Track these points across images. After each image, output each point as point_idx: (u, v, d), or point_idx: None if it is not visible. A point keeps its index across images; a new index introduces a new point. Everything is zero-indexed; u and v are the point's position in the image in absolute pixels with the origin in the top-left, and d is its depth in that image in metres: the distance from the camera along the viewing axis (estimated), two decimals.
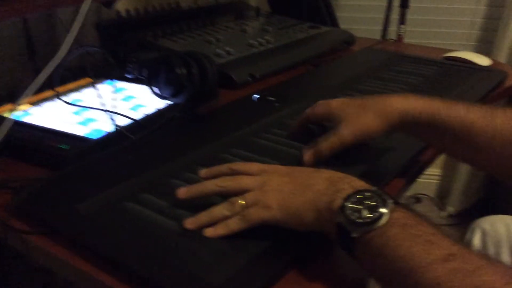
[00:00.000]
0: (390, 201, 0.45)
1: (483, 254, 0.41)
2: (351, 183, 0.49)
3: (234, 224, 0.51)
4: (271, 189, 0.52)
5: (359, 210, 0.45)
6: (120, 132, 0.72)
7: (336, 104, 0.68)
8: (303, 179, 0.52)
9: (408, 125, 0.63)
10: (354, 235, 0.44)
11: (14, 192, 0.60)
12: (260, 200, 0.51)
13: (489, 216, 0.98)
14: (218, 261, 0.48)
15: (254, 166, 0.56)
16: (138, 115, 0.78)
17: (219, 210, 0.53)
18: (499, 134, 0.59)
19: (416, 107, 0.62)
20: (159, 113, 0.80)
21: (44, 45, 0.88)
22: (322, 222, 0.48)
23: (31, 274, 0.74)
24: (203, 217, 0.53)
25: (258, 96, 0.89)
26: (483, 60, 1.16)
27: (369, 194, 0.46)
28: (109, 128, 0.73)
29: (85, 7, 0.71)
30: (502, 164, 0.60)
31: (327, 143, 0.64)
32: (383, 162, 0.68)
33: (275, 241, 0.50)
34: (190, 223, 0.52)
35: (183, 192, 0.55)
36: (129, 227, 0.53)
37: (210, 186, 0.55)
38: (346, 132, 0.64)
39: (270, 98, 0.89)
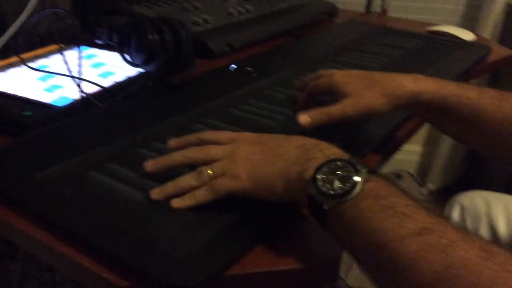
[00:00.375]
0: (363, 170, 0.43)
1: (459, 228, 0.39)
2: (323, 151, 0.46)
3: (201, 195, 0.49)
4: (240, 158, 0.49)
5: (331, 181, 0.43)
6: (87, 99, 0.69)
7: (340, 77, 0.65)
8: (273, 148, 0.50)
9: (415, 107, 0.62)
10: (325, 207, 0.42)
11: None
12: (229, 170, 0.49)
13: (468, 192, 0.97)
14: (183, 234, 0.45)
15: (223, 135, 0.54)
16: (107, 82, 0.75)
17: (186, 180, 0.50)
18: (508, 120, 0.58)
19: (426, 90, 0.60)
20: (130, 81, 0.76)
21: (14, 11, 0.83)
22: (293, 192, 0.46)
23: None
24: (169, 187, 0.50)
25: (236, 67, 0.86)
26: (467, 35, 1.14)
27: (341, 163, 0.44)
28: (76, 95, 0.70)
29: None
30: (509, 149, 0.59)
31: (327, 110, 0.61)
32: (358, 135, 0.66)
33: (243, 215, 0.48)
34: (156, 193, 0.50)
35: (150, 164, 0.53)
36: (93, 197, 0.50)
37: (177, 157, 0.53)
38: (349, 107, 0.61)
39: (248, 68, 0.86)
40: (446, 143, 1.92)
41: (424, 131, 1.96)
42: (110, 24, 0.83)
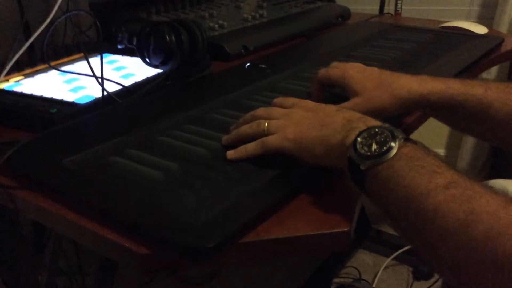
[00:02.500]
0: (400, 136, 0.47)
1: (486, 184, 0.42)
2: (366, 122, 0.51)
3: (251, 149, 0.55)
4: (293, 121, 0.55)
5: (369, 144, 0.47)
6: (108, 97, 0.72)
7: (352, 73, 0.67)
8: (323, 117, 0.54)
9: (422, 108, 0.66)
10: (363, 167, 0.46)
11: (1, 153, 0.60)
12: (281, 129, 0.55)
13: (491, 180, 0.97)
14: (199, 204, 0.48)
15: (289, 100, 0.61)
16: (128, 82, 0.78)
17: (245, 129, 0.58)
18: None
19: (433, 92, 0.63)
20: (149, 80, 0.80)
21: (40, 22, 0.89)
22: (332, 156, 0.51)
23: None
24: (233, 134, 0.59)
25: (249, 64, 0.89)
26: (479, 29, 1.15)
27: (380, 129, 0.48)
28: (98, 94, 0.73)
29: None
30: None
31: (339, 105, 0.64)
32: None
33: (253, 189, 0.51)
34: (224, 140, 0.59)
35: (225, 139, 0.60)
36: (115, 178, 0.53)
37: (247, 116, 0.60)
38: (359, 106, 0.64)
39: (262, 65, 0.89)
40: (469, 146, 1.90)
41: (446, 134, 1.95)
42: (130, 30, 0.87)
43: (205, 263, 0.44)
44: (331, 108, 0.57)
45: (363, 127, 0.49)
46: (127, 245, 0.46)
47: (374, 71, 0.68)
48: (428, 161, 0.45)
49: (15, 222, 0.85)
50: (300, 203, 0.51)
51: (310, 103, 0.59)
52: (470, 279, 0.39)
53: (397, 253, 1.58)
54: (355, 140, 0.48)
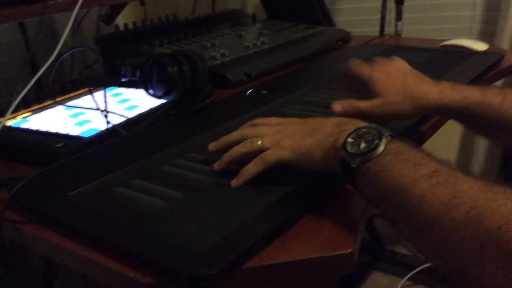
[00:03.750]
0: (386, 134, 0.50)
1: (469, 172, 0.44)
2: (355, 124, 0.54)
3: (252, 168, 0.57)
4: (286, 134, 0.58)
5: (358, 144, 0.50)
6: (113, 129, 0.74)
7: (379, 76, 0.70)
8: (314, 125, 0.58)
9: (441, 115, 0.71)
10: (353, 165, 0.49)
11: (9, 188, 0.61)
12: (276, 143, 0.57)
13: None
14: (201, 232, 0.48)
15: (272, 119, 0.63)
16: (132, 114, 0.80)
17: (238, 149, 0.59)
18: None
19: (451, 101, 0.67)
20: (152, 111, 0.81)
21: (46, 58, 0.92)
22: (329, 160, 0.53)
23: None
24: (225, 158, 0.59)
25: (251, 90, 0.90)
26: (479, 46, 1.16)
27: (368, 129, 0.51)
28: (103, 127, 0.75)
29: (75, 11, 0.73)
30: None
31: (358, 105, 0.67)
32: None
33: (253, 216, 0.51)
34: (216, 165, 0.60)
35: (212, 146, 0.62)
36: (119, 209, 0.54)
37: (234, 135, 0.62)
38: (378, 108, 0.67)
39: (264, 91, 0.90)
40: (481, 151, 1.88)
41: (457, 140, 1.94)
42: (133, 62, 0.89)
43: None
44: (320, 118, 0.60)
45: (352, 129, 0.52)
46: (131, 275, 0.46)
47: (399, 76, 0.70)
48: (413, 154, 0.48)
49: (25, 257, 0.86)
50: (303, 226, 0.52)
51: (295, 118, 0.62)
52: (456, 259, 0.41)
53: (412, 273, 1.56)
54: (345, 141, 0.51)
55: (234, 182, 0.57)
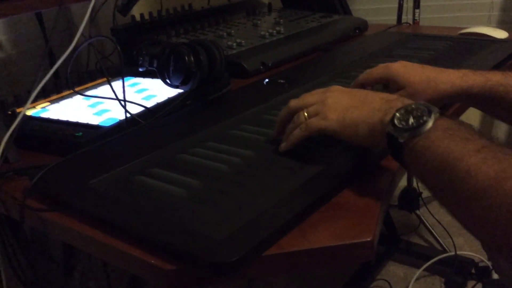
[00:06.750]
0: (435, 111, 0.49)
1: None
2: (403, 101, 0.53)
3: (297, 134, 0.58)
4: (330, 102, 0.57)
5: (406, 119, 0.50)
6: (132, 119, 0.74)
7: (398, 67, 0.70)
8: (361, 97, 0.57)
9: (465, 100, 0.70)
10: (401, 140, 0.49)
11: (31, 177, 0.62)
12: (321, 111, 0.57)
13: None
14: (221, 219, 0.49)
15: (318, 90, 0.62)
16: (150, 104, 0.80)
17: (289, 127, 0.60)
18: None
19: (474, 85, 0.67)
20: (170, 100, 0.82)
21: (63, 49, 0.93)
22: (375, 134, 0.53)
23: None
24: (283, 139, 0.61)
25: (268, 80, 0.90)
26: (499, 33, 1.14)
27: (416, 106, 0.51)
28: (122, 116, 0.75)
29: (93, 1, 0.73)
30: None
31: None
32: None
33: (272, 203, 0.51)
34: (281, 147, 0.60)
35: (283, 146, 0.61)
36: (139, 197, 0.54)
37: (282, 112, 0.63)
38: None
39: (281, 81, 0.90)
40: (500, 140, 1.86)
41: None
42: (150, 52, 0.89)
43: (229, 277, 0.44)
44: (366, 90, 0.60)
45: (400, 105, 0.52)
46: (153, 262, 0.47)
47: (416, 65, 0.71)
48: (461, 130, 0.47)
49: (45, 245, 0.87)
50: (322, 215, 0.52)
51: (340, 87, 0.61)
52: (502, 233, 0.41)
53: (428, 263, 1.55)
54: (393, 116, 0.51)
55: (283, 146, 0.60)
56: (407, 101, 0.53)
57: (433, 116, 0.49)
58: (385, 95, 0.56)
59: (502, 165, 0.42)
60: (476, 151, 0.44)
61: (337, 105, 0.57)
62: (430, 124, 0.48)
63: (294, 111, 0.61)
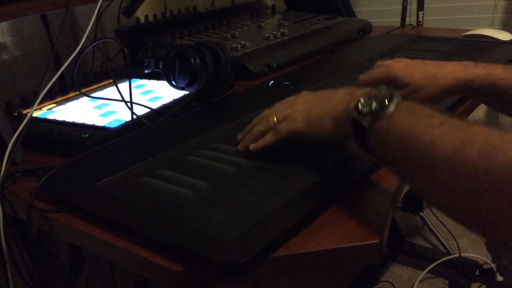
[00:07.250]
0: (397, 95, 0.50)
1: (479, 121, 0.44)
2: (366, 90, 0.53)
3: (268, 138, 0.60)
4: (297, 106, 0.60)
5: (370, 104, 0.50)
6: (138, 120, 0.74)
7: (398, 66, 0.70)
8: (326, 95, 0.59)
9: (467, 92, 0.70)
10: (365, 124, 0.50)
11: (38, 178, 0.62)
12: (289, 115, 0.59)
13: None
14: (228, 221, 0.49)
15: (289, 98, 0.64)
16: (156, 105, 0.80)
17: (257, 128, 0.62)
18: None
19: (476, 77, 0.68)
20: (176, 102, 0.82)
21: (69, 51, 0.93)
22: (340, 124, 0.54)
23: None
24: (247, 138, 0.63)
25: (273, 81, 0.90)
26: (503, 35, 1.14)
27: (379, 92, 0.51)
28: (128, 118, 0.75)
29: (99, 4, 0.74)
30: None
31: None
32: None
33: (279, 205, 0.51)
34: (239, 146, 0.63)
35: (239, 137, 0.65)
36: (146, 198, 0.55)
37: (254, 120, 0.65)
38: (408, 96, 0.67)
39: (286, 82, 0.90)
40: None
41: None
42: (156, 54, 0.90)
43: (238, 278, 0.44)
44: (331, 89, 0.61)
45: (363, 93, 0.52)
46: (161, 263, 0.47)
47: (417, 62, 0.72)
48: (424, 109, 0.47)
49: (52, 247, 0.87)
50: (330, 217, 0.52)
51: (308, 92, 0.63)
52: (468, 198, 0.40)
53: (432, 265, 1.55)
54: (357, 102, 0.51)
55: (252, 146, 0.61)
56: (370, 90, 0.53)
57: (395, 100, 0.49)
58: (349, 89, 0.57)
59: (465, 132, 0.42)
60: (439, 124, 0.44)
61: (304, 107, 0.59)
62: (392, 107, 0.49)
63: (265, 118, 0.63)
